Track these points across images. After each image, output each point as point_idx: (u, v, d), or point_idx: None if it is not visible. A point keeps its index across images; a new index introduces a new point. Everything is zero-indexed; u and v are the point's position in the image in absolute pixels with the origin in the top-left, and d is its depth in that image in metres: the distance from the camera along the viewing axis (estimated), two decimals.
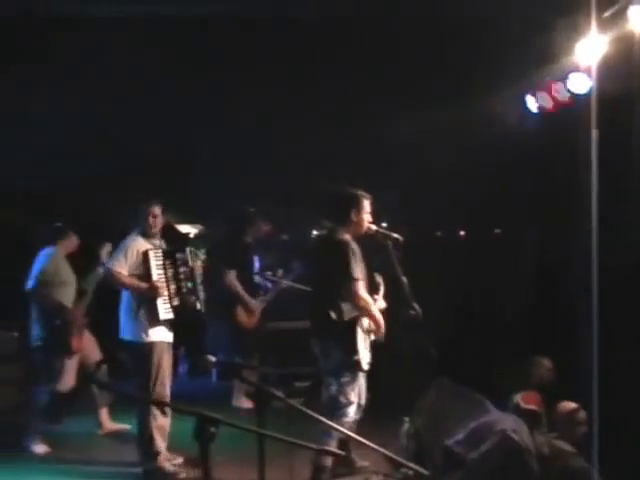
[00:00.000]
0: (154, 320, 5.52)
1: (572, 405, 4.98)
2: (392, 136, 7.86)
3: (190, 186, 8.86)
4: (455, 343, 7.10)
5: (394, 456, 3.39)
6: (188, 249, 5.86)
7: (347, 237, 5.14)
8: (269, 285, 7.42)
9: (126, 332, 5.60)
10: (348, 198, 5.24)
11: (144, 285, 5.52)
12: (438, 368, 5.26)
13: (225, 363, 4.58)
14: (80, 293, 6.46)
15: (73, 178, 8.24)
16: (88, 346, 6.56)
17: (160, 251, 5.66)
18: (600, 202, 4.78)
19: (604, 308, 4.53)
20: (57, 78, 7.31)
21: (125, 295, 5.64)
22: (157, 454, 5.48)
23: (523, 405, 5.48)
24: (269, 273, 7.30)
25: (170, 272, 5.66)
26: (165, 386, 5.58)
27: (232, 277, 7.23)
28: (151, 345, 5.51)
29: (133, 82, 7.44)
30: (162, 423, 5.51)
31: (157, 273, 5.58)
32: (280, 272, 7.14)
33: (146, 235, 5.68)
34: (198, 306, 5.78)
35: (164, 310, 5.55)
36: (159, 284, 5.54)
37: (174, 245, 5.95)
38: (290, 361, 7.38)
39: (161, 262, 5.63)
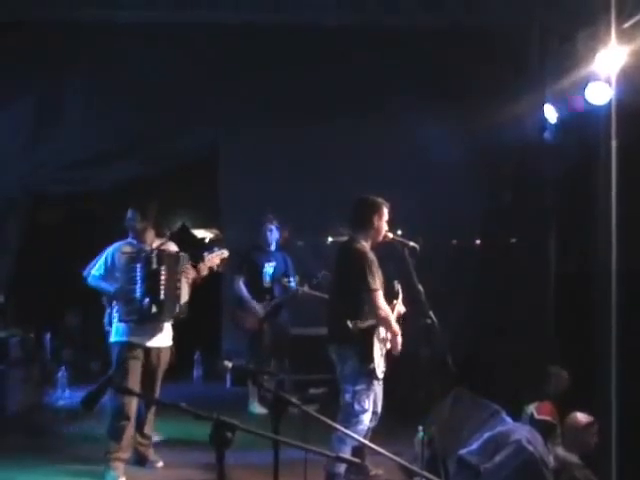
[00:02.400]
0: (119, 320, 5.64)
1: (587, 418, 4.95)
2: (409, 144, 7.88)
3: (209, 191, 8.92)
4: (471, 352, 7.09)
5: (408, 465, 3.40)
6: (180, 254, 5.80)
7: (365, 246, 5.16)
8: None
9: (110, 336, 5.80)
10: (371, 203, 5.26)
11: (112, 288, 5.65)
12: (453, 377, 5.24)
13: (241, 368, 4.60)
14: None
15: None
16: None
17: (140, 255, 5.63)
18: (619, 211, 4.77)
19: (623, 317, 4.52)
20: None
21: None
22: (109, 452, 5.53)
23: (537, 416, 5.47)
24: (286, 279, 7.29)
25: (143, 273, 5.59)
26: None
27: (238, 282, 7.36)
28: (122, 345, 5.63)
29: (159, 88, 7.52)
30: (122, 424, 5.56)
31: (129, 276, 5.59)
32: (296, 278, 7.13)
33: (135, 238, 5.79)
34: (177, 310, 5.70)
35: (130, 311, 5.58)
36: (125, 285, 5.59)
37: (189, 250, 5.96)
38: (305, 368, 7.40)
39: (142, 264, 5.59)
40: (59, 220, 9.65)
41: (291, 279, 7.29)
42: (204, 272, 5.84)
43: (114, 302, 5.74)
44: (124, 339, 5.62)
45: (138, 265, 5.58)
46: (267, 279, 7.39)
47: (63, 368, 8.26)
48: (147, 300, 5.52)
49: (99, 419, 6.02)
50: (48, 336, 8.40)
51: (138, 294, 5.55)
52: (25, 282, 8.40)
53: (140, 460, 5.79)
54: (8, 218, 8.00)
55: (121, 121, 7.85)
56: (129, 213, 5.76)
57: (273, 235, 7.40)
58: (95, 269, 5.71)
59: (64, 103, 7.75)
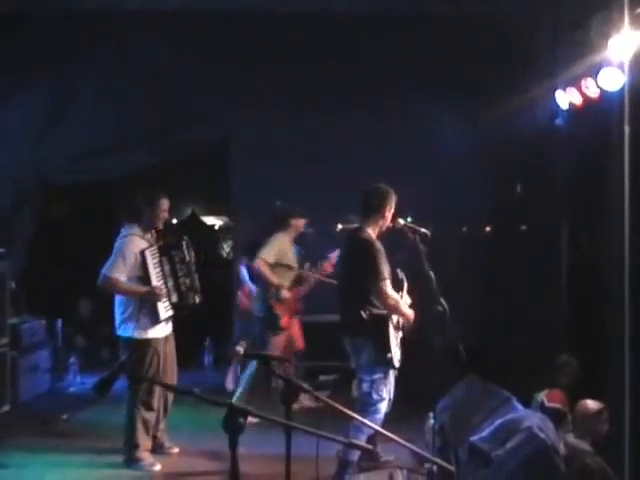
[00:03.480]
0: (154, 321, 5.53)
1: (597, 405, 4.94)
2: (422, 131, 7.85)
3: (219, 178, 8.92)
4: (482, 340, 7.08)
5: (419, 451, 3.40)
6: (185, 240, 5.77)
7: (372, 235, 5.16)
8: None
9: (122, 329, 5.58)
10: (378, 193, 5.25)
11: (144, 289, 5.48)
12: (465, 364, 5.24)
13: (252, 354, 4.60)
14: (299, 278, 6.84)
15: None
16: (295, 329, 6.99)
17: (156, 249, 5.58)
18: (632, 199, 4.74)
19: (636, 305, 4.50)
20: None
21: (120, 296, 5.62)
22: (137, 446, 5.54)
23: (548, 403, 5.46)
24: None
25: (167, 269, 5.61)
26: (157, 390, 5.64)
27: (240, 265, 7.86)
28: (147, 342, 5.54)
29: (168, 76, 7.53)
30: (147, 417, 5.57)
31: (155, 272, 5.51)
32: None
33: (146, 231, 5.62)
34: (197, 300, 5.77)
35: (164, 309, 5.54)
36: (158, 285, 5.49)
37: (197, 238, 5.96)
38: (316, 354, 7.41)
39: (158, 260, 5.56)
40: (73, 209, 9.69)
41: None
42: (329, 270, 6.26)
43: (140, 302, 5.51)
44: (150, 336, 5.56)
45: (175, 259, 5.63)
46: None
47: (75, 355, 8.31)
48: (191, 294, 5.67)
49: (111, 406, 6.05)
50: (60, 323, 8.45)
51: (172, 288, 5.59)
52: (38, 270, 8.43)
53: (156, 447, 5.80)
54: (22, 207, 8.03)
55: (133, 110, 7.85)
56: (165, 203, 5.62)
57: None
58: (119, 272, 5.43)
59: (76, 93, 7.77)
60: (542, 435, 4.47)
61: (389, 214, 5.25)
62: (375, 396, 5.06)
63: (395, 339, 5.12)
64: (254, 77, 7.71)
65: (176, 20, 7.12)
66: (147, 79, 7.63)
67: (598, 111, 6.01)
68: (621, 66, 5.42)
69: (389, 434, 3.06)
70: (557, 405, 5.45)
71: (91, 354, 8.77)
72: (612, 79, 5.58)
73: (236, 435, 2.54)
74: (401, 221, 5.25)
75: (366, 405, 5.06)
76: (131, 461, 5.54)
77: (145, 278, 5.48)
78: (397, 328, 5.17)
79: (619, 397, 4.70)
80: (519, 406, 5.12)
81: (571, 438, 4.85)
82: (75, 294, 9.27)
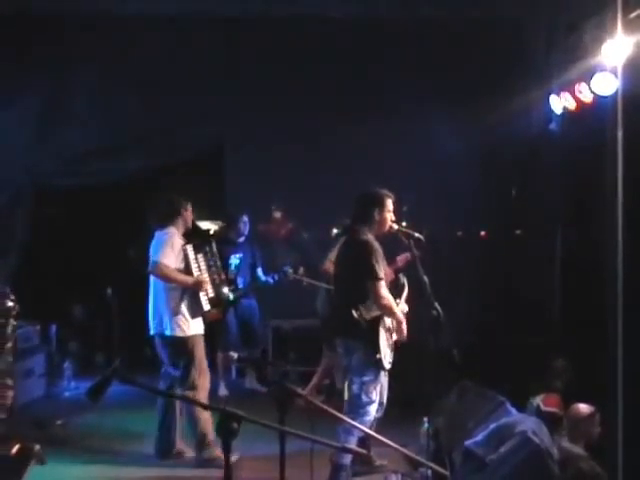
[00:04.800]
0: (196, 313, 5.64)
1: (589, 408, 4.95)
2: (413, 135, 7.86)
3: (215, 183, 8.93)
4: (476, 344, 7.08)
5: (413, 455, 3.40)
6: (212, 241, 5.99)
7: (369, 237, 5.15)
8: (270, 281, 7.46)
9: (166, 327, 5.60)
10: (372, 197, 5.25)
11: (191, 279, 5.61)
12: (459, 369, 5.24)
13: (246, 360, 4.61)
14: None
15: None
16: None
17: (192, 246, 5.73)
18: (625, 202, 4.75)
19: (630, 309, 4.50)
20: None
21: (163, 290, 5.63)
22: (209, 444, 5.56)
23: (544, 407, 5.46)
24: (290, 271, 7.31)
25: (203, 265, 5.78)
26: (207, 377, 5.72)
27: None
28: (193, 339, 5.61)
29: (165, 79, 7.53)
30: (204, 416, 5.56)
31: (194, 267, 5.68)
32: (302, 270, 7.14)
33: (179, 232, 5.76)
34: (231, 297, 6.01)
35: (205, 302, 5.69)
36: (202, 277, 5.67)
37: (196, 240, 5.99)
38: (309, 359, 7.41)
39: (194, 256, 5.72)
40: (67, 213, 9.67)
41: (259, 270, 7.41)
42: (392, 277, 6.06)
43: (183, 295, 5.61)
44: (200, 332, 5.69)
45: (208, 255, 5.82)
46: (232, 269, 7.51)
47: (69, 360, 8.29)
48: (225, 289, 5.89)
49: (106, 411, 6.03)
50: (54, 328, 8.42)
51: (215, 282, 5.78)
52: (32, 275, 8.42)
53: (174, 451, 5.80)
54: (15, 211, 8.02)
55: (128, 113, 7.85)
56: (189, 206, 5.84)
57: (246, 227, 7.50)
58: (170, 261, 5.55)
59: (72, 96, 7.77)
60: (536, 439, 4.47)
61: (383, 217, 5.22)
62: (365, 398, 5.04)
63: (386, 341, 5.12)
64: (251, 80, 7.72)
65: (173, 24, 7.14)
66: (143, 82, 7.63)
67: (592, 115, 6.03)
68: (614, 71, 5.44)
69: (380, 437, 3.06)
70: (554, 409, 5.46)
71: (85, 359, 8.74)
72: (605, 84, 5.60)
73: (229, 440, 2.55)
74: (395, 226, 5.26)
75: (356, 407, 5.04)
76: (208, 460, 5.54)
77: (186, 272, 5.62)
78: (389, 330, 5.17)
79: (613, 401, 4.70)
80: (513, 410, 5.12)
81: (565, 442, 4.85)
82: (69, 299, 9.25)
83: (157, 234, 5.71)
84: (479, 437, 4.75)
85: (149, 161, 8.27)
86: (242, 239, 7.54)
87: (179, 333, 5.57)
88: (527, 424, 4.66)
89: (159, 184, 8.34)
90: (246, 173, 8.48)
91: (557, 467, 4.48)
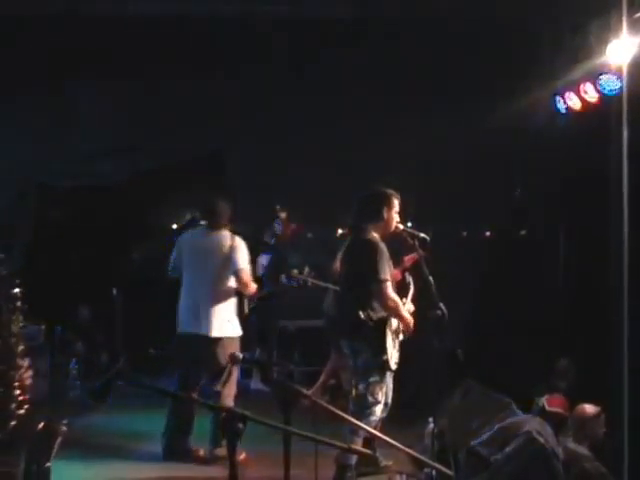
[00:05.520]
0: (241, 316, 5.87)
1: (594, 408, 4.94)
2: (416, 135, 7.85)
3: (222, 185, 8.93)
4: (481, 344, 7.08)
5: (418, 456, 3.39)
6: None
7: (375, 237, 5.14)
8: (294, 284, 7.49)
9: (224, 329, 5.72)
10: (380, 196, 5.24)
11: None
12: (464, 369, 5.24)
13: (252, 360, 4.61)
14: None
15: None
16: None
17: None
18: (631, 203, 4.75)
19: (635, 308, 4.50)
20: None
21: (212, 293, 5.73)
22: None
23: (548, 408, 5.46)
24: (295, 271, 7.33)
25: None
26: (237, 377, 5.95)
27: None
28: (237, 340, 5.79)
29: (168, 80, 7.54)
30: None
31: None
32: (307, 270, 7.16)
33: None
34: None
35: (246, 305, 6.01)
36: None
37: None
38: (315, 359, 7.41)
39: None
40: (72, 214, 9.70)
41: (305, 270, 7.40)
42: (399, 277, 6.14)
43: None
44: (240, 334, 5.86)
45: None
46: (262, 270, 7.50)
47: (74, 360, 8.29)
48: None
49: (111, 411, 6.04)
50: (59, 329, 8.43)
51: None
52: (37, 275, 8.43)
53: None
54: (20, 212, 8.04)
55: (132, 114, 7.87)
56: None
57: (279, 229, 7.52)
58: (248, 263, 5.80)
59: (76, 97, 7.78)
60: (541, 440, 4.47)
61: (390, 216, 5.22)
62: (370, 399, 5.04)
63: (393, 342, 5.11)
64: (251, 80, 7.72)
65: (175, 24, 7.13)
66: (146, 84, 7.64)
67: (597, 115, 6.02)
68: (619, 71, 5.43)
69: (385, 437, 3.05)
70: (558, 409, 5.45)
71: (90, 359, 8.75)
72: (611, 83, 5.59)
73: (235, 440, 2.55)
74: (400, 226, 5.25)
75: (361, 407, 5.05)
76: (218, 458, 5.59)
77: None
78: (395, 331, 5.16)
79: (618, 401, 4.70)
80: (518, 411, 5.12)
81: (569, 443, 4.85)
82: (74, 299, 9.26)
83: (209, 234, 5.83)
84: (484, 437, 4.76)
85: (150, 162, 8.29)
86: (273, 241, 7.58)
87: (230, 334, 5.72)
88: (532, 424, 4.67)
89: (160, 185, 8.35)
90: (247, 174, 8.48)
91: (562, 467, 4.48)
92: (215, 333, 5.68)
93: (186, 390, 5.66)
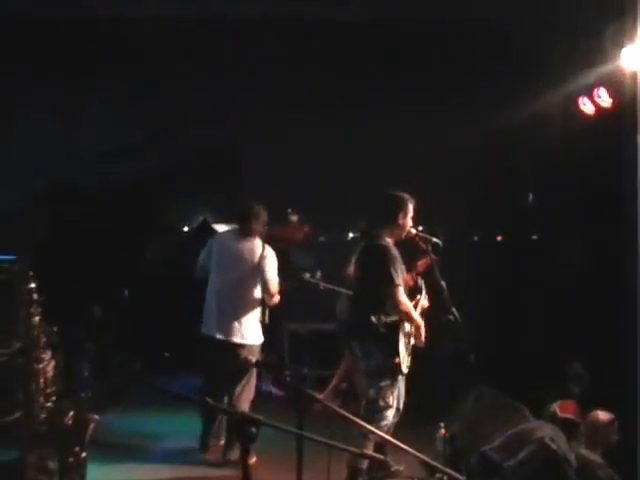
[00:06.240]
0: (262, 324, 5.91)
1: (608, 415, 4.92)
2: (430, 138, 7.85)
3: (234, 187, 8.96)
4: (494, 349, 7.05)
5: (430, 461, 3.39)
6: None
7: (388, 242, 5.15)
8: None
9: (251, 336, 5.79)
10: (396, 201, 5.24)
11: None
12: (476, 374, 5.22)
13: (264, 363, 4.62)
14: None
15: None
16: None
17: None
18: None
19: None
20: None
21: (239, 300, 5.80)
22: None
23: (560, 414, 5.43)
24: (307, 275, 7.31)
25: None
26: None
27: None
28: (259, 347, 5.86)
29: (181, 80, 7.56)
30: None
31: None
32: (318, 274, 7.15)
33: None
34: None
35: (267, 315, 5.94)
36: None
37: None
38: (326, 362, 7.41)
39: None
40: (86, 214, 9.72)
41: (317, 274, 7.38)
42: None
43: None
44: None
45: None
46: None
47: (86, 361, 8.32)
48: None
49: (124, 412, 6.05)
50: (72, 329, 8.46)
51: None
52: (50, 274, 8.45)
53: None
54: (34, 211, 8.08)
55: (146, 114, 7.90)
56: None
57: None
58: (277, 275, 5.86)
59: (89, 97, 7.82)
60: (554, 446, 4.46)
61: (405, 221, 5.22)
62: (382, 403, 5.04)
63: (405, 346, 5.11)
64: (268, 83, 7.73)
65: (187, 25, 7.16)
66: (161, 83, 7.67)
67: (612, 120, 6.00)
68: (634, 76, 5.41)
69: (396, 442, 3.05)
70: (570, 416, 5.42)
71: (103, 360, 8.77)
72: (626, 88, 5.57)
73: (248, 444, 2.55)
74: (413, 230, 5.25)
75: (372, 412, 5.04)
76: (230, 461, 5.63)
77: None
78: (408, 335, 5.16)
79: (631, 407, 4.68)
80: (530, 417, 5.10)
81: (582, 449, 4.83)
82: (87, 299, 9.29)
83: (241, 240, 5.87)
84: (496, 443, 4.74)
85: (164, 162, 8.32)
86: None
87: (252, 342, 5.79)
88: (545, 430, 4.64)
89: (175, 185, 8.37)
90: (262, 175, 8.50)
91: (574, 474, 4.46)
92: (238, 339, 5.73)
93: (209, 392, 5.67)
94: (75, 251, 9.25)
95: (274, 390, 7.67)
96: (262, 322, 5.88)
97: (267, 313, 5.89)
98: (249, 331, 5.77)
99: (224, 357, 5.75)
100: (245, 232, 5.86)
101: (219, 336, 5.74)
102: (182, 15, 7.02)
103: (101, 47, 7.31)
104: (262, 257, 5.77)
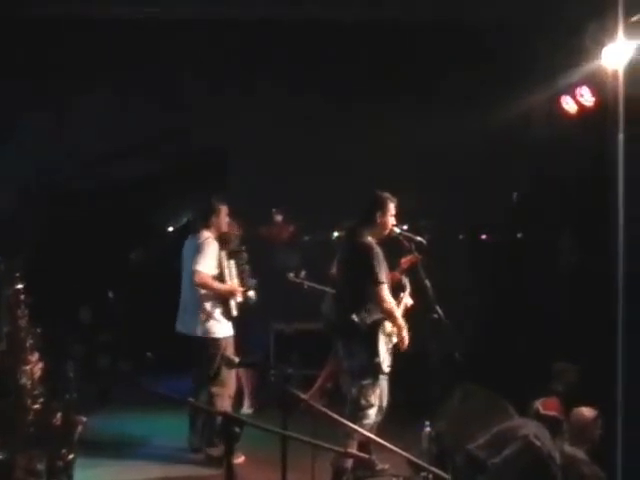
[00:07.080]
0: (227, 319, 5.85)
1: (592, 412, 4.94)
2: (415, 138, 7.85)
3: (219, 187, 8.93)
4: (479, 347, 7.08)
5: (415, 459, 3.40)
6: (244, 247, 6.22)
7: (370, 240, 5.16)
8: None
9: (199, 329, 5.79)
10: (374, 200, 5.26)
11: (228, 287, 5.83)
12: (461, 372, 5.24)
13: (248, 364, 4.61)
14: None
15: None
16: None
17: (226, 252, 5.93)
18: (626, 206, 4.76)
19: (630, 312, 4.50)
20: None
21: (195, 294, 5.80)
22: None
23: (542, 411, 5.45)
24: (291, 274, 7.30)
25: (234, 271, 5.98)
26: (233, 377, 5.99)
27: None
28: (224, 340, 5.80)
29: (170, 82, 7.54)
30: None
31: (227, 273, 5.87)
32: (303, 273, 7.13)
33: (215, 235, 5.93)
34: (254, 298, 6.15)
35: (234, 308, 5.88)
36: (234, 286, 5.89)
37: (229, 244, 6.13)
38: (312, 362, 7.41)
39: (227, 262, 5.92)
40: (75, 216, 9.69)
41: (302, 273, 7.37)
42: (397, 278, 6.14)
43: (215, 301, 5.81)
44: (230, 334, 5.88)
45: (240, 262, 6.06)
46: None
47: (74, 362, 8.27)
48: (251, 293, 6.10)
49: (111, 414, 6.03)
50: (59, 331, 8.41)
51: (245, 288, 6.02)
52: (38, 276, 8.41)
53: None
54: (24, 212, 8.05)
55: (135, 117, 7.88)
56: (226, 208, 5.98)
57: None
58: (209, 268, 5.75)
59: (83, 99, 7.78)
60: (538, 443, 4.47)
61: (385, 220, 5.24)
62: (364, 402, 5.06)
63: (385, 345, 5.12)
64: (252, 83, 7.73)
65: (179, 27, 7.14)
66: (150, 86, 7.65)
67: (593, 119, 6.04)
68: (616, 74, 5.44)
69: (381, 441, 3.06)
70: (552, 413, 5.45)
71: (90, 362, 8.74)
72: (607, 87, 5.60)
73: (232, 444, 2.56)
74: (396, 229, 5.26)
75: (355, 410, 5.06)
76: (214, 458, 5.63)
77: (220, 278, 5.80)
78: (388, 335, 5.16)
79: (613, 404, 4.71)
80: (516, 414, 5.12)
81: (567, 447, 4.85)
82: (75, 301, 9.25)
83: (190, 239, 5.95)
84: (481, 441, 4.75)
85: (149, 165, 8.30)
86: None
87: (212, 335, 5.77)
88: (529, 428, 4.66)
89: (160, 186, 8.35)
90: (247, 175, 8.49)
91: (559, 471, 4.48)
92: (198, 332, 5.79)
93: (193, 391, 5.80)
94: (61, 252, 9.22)
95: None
96: (228, 315, 5.84)
97: (233, 306, 5.85)
98: (205, 324, 5.78)
99: (197, 354, 5.85)
100: (193, 230, 6.01)
101: (180, 328, 5.91)
102: (172, 17, 7.00)
103: (92, 49, 7.27)
104: (195, 249, 5.79)
